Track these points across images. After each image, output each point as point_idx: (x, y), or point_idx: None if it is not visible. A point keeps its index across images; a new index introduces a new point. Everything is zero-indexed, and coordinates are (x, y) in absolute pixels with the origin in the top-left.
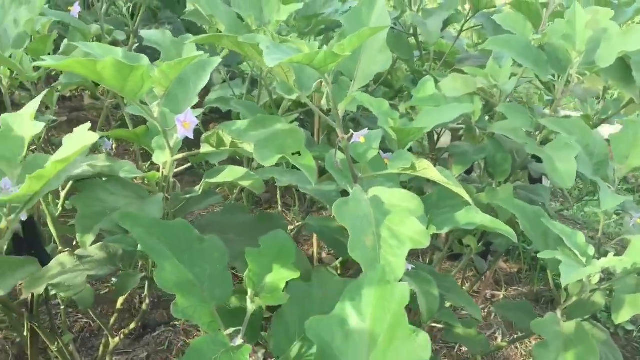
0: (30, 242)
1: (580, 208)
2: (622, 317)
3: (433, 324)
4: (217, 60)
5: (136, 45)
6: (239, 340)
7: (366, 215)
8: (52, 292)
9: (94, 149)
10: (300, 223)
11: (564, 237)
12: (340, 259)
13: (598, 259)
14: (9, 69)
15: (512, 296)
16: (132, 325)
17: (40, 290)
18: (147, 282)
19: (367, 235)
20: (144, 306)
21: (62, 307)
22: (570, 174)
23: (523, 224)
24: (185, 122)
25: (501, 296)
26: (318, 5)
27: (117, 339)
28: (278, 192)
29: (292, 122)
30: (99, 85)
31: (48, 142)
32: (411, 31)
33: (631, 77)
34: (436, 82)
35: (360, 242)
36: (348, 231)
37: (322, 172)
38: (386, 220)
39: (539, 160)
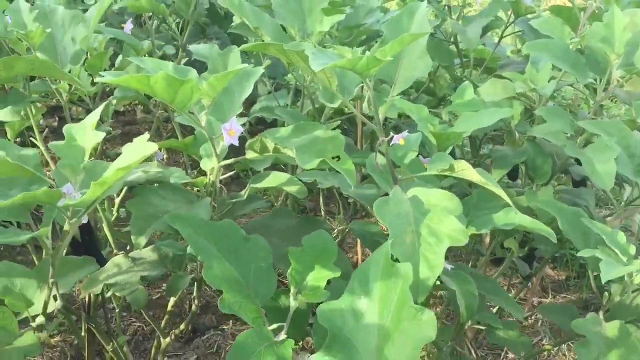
0: (88, 246)
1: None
2: None
3: (477, 326)
4: (260, 70)
5: (185, 59)
6: (282, 336)
7: (406, 214)
8: (107, 295)
9: (148, 159)
10: (343, 227)
11: (604, 236)
12: None
13: None
14: (68, 83)
15: (559, 304)
16: (182, 327)
17: (97, 290)
18: (195, 284)
19: (407, 233)
20: (193, 307)
21: (117, 311)
22: (610, 175)
23: (562, 224)
24: (231, 130)
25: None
26: (360, 16)
27: (168, 339)
28: (321, 200)
29: (334, 129)
30: (150, 97)
31: (103, 154)
32: (452, 39)
33: None
34: (475, 87)
35: (400, 239)
36: (388, 230)
37: (364, 178)
38: (425, 219)
39: (580, 163)
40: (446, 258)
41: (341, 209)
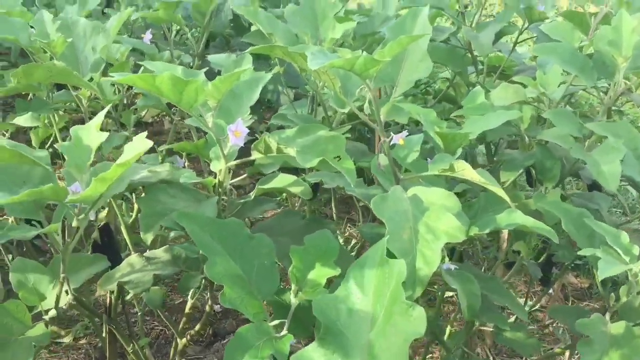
0: (107, 247)
1: None
2: None
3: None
4: (267, 76)
5: (205, 69)
6: (284, 331)
7: (405, 212)
8: (128, 297)
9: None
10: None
11: (607, 236)
12: None
13: None
14: (89, 91)
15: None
16: (198, 327)
17: (112, 287)
18: (209, 285)
19: (405, 230)
20: (207, 308)
21: (140, 314)
22: (614, 176)
23: (566, 225)
24: (237, 132)
25: None
26: (376, 24)
27: (184, 340)
28: (332, 203)
29: (344, 132)
30: (172, 106)
31: None
32: (467, 46)
33: None
34: (487, 92)
35: (398, 235)
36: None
37: (373, 182)
38: (424, 217)
39: None
40: (459, 262)
41: (361, 217)
